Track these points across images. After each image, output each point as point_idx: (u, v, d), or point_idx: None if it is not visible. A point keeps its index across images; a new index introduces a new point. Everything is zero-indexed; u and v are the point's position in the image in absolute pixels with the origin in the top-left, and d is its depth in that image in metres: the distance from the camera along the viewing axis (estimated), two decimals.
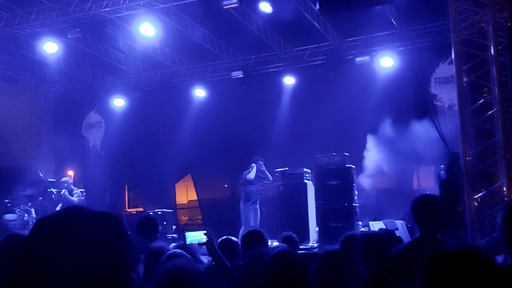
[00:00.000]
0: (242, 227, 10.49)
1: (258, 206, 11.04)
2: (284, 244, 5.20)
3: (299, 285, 2.66)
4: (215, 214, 14.33)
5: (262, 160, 11.23)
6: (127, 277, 1.16)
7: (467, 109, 8.12)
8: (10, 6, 11.31)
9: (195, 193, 16.67)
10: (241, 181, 11.20)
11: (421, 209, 3.63)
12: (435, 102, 11.82)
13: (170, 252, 3.68)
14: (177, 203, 17.02)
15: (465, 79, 8.08)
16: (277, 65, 14.10)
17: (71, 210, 1.18)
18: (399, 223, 9.65)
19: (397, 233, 7.08)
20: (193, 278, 2.47)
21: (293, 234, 5.81)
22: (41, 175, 12.98)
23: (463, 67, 8.08)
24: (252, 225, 10.73)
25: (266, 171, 11.22)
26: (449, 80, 12.01)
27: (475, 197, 7.87)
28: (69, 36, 11.37)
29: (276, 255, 2.73)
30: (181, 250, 3.66)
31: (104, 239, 1.14)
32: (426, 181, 12.35)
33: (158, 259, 3.49)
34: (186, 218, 18.96)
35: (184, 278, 2.47)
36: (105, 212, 1.20)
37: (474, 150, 8.06)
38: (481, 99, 8.48)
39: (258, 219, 10.94)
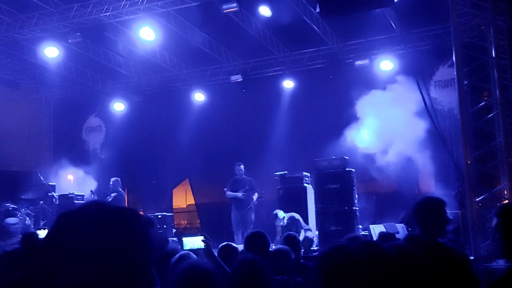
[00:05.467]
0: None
1: (245, 212, 11.00)
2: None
3: None
4: (214, 218, 14.31)
5: (240, 165, 11.20)
6: (147, 272, 1.17)
7: (468, 112, 8.13)
8: (11, 11, 11.35)
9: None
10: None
11: (423, 211, 3.62)
12: (435, 106, 11.84)
13: (181, 253, 3.70)
14: (176, 207, 17.02)
15: (466, 82, 8.09)
16: (276, 68, 14.13)
17: (92, 205, 1.19)
18: (400, 227, 9.65)
19: (397, 236, 7.08)
20: (211, 276, 2.49)
21: (296, 236, 5.84)
22: (42, 179, 13.02)
23: (464, 69, 8.10)
24: (234, 230, 10.92)
25: (246, 180, 11.16)
26: (449, 83, 12.04)
27: (477, 200, 7.87)
28: (69, 41, 11.40)
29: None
30: (189, 252, 3.68)
31: (125, 234, 1.14)
32: (427, 186, 12.35)
33: (168, 260, 3.51)
34: (185, 222, 18.95)
35: (204, 276, 2.48)
36: (126, 207, 1.20)
37: (475, 153, 8.07)
38: (482, 102, 8.49)
39: (248, 226, 10.93)
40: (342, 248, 2.77)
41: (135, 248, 1.14)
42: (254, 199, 11.13)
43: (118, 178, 12.34)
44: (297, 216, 9.98)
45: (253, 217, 11.13)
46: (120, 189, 12.11)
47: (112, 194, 11.87)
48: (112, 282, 1.09)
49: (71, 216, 1.16)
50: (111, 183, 12.22)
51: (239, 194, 10.94)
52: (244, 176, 11.21)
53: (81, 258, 1.08)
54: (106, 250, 1.10)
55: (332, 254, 2.60)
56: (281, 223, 9.85)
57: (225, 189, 11.21)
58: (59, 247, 1.11)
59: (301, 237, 9.40)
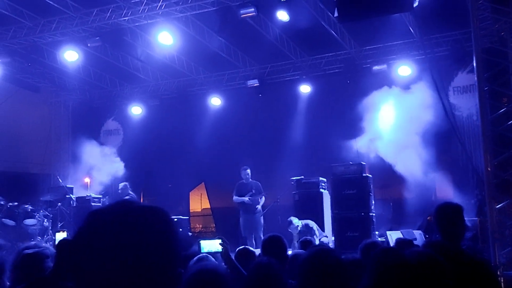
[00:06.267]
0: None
1: (254, 216, 11.02)
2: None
3: None
4: (229, 222, 14.31)
5: (246, 169, 11.20)
6: (175, 271, 1.17)
7: (488, 118, 8.02)
8: (32, 15, 11.51)
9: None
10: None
11: (445, 216, 3.59)
12: (453, 112, 11.73)
13: (199, 255, 3.72)
14: (191, 210, 17.06)
15: (486, 88, 7.99)
16: (293, 73, 14.11)
17: (122, 204, 1.20)
18: (417, 233, 9.57)
19: (415, 243, 7.01)
20: (221, 279, 2.50)
21: (313, 240, 5.86)
22: (60, 181, 13.15)
23: (484, 75, 8.00)
24: (245, 235, 10.95)
25: (252, 184, 11.15)
26: (467, 89, 11.94)
27: (497, 207, 7.76)
28: (89, 45, 11.54)
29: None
30: (207, 254, 3.70)
31: (155, 232, 1.15)
32: (444, 192, 12.23)
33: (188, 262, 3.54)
34: (200, 225, 18.96)
35: (213, 279, 2.49)
36: (155, 206, 1.21)
37: (495, 160, 7.96)
38: (502, 108, 8.37)
39: (258, 229, 10.94)
40: (328, 251, 2.77)
41: (163, 247, 1.15)
42: (261, 202, 11.12)
43: (127, 183, 12.48)
44: (311, 223, 9.96)
45: (262, 220, 11.12)
46: (131, 193, 12.18)
47: (126, 198, 11.97)
48: (139, 279, 1.10)
49: (102, 214, 1.17)
50: (119, 188, 12.35)
51: (246, 199, 10.97)
52: (250, 180, 11.21)
53: (110, 255, 1.09)
54: (134, 247, 1.11)
55: (318, 256, 2.61)
56: (297, 230, 9.84)
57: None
58: (89, 244, 1.12)
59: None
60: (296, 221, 9.91)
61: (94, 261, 1.09)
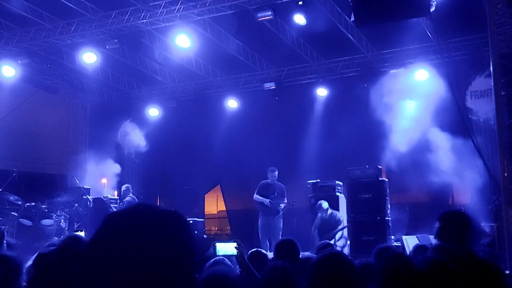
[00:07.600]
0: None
1: (273, 219, 10.87)
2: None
3: None
4: (244, 225, 14.34)
5: (274, 171, 10.97)
6: (191, 275, 1.18)
7: (505, 123, 7.95)
8: (51, 18, 11.66)
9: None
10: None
11: (448, 224, 3.62)
12: (470, 116, 11.62)
13: (215, 259, 3.75)
14: (207, 213, 17.12)
15: (503, 93, 7.92)
16: (309, 76, 14.10)
17: (140, 207, 1.21)
18: (433, 238, 9.48)
19: None
20: (232, 285, 2.52)
21: (330, 243, 5.88)
22: (77, 182, 13.29)
23: (501, 80, 7.93)
24: (260, 237, 10.90)
25: (277, 186, 10.97)
26: (485, 93, 11.83)
27: None
28: (107, 47, 11.65)
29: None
30: (223, 257, 3.72)
31: (171, 236, 1.16)
32: (461, 197, 12.12)
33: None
34: (216, 228, 19.02)
35: (224, 285, 2.51)
36: (172, 210, 1.22)
37: (511, 165, 7.88)
38: None
39: (276, 233, 10.83)
40: (338, 255, 2.78)
41: (179, 251, 1.16)
42: (282, 207, 10.95)
43: (129, 185, 12.81)
44: (339, 216, 10.13)
45: (281, 224, 11.00)
46: (131, 195, 12.46)
47: (126, 199, 12.32)
48: (155, 283, 1.11)
49: (119, 217, 1.19)
50: (122, 190, 12.69)
51: (267, 201, 10.80)
52: (276, 182, 11.05)
53: (126, 257, 1.11)
54: (150, 250, 1.12)
55: (329, 260, 2.62)
56: (324, 214, 10.10)
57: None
58: (106, 247, 1.14)
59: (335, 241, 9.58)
60: (325, 204, 10.21)
61: (111, 263, 1.11)
